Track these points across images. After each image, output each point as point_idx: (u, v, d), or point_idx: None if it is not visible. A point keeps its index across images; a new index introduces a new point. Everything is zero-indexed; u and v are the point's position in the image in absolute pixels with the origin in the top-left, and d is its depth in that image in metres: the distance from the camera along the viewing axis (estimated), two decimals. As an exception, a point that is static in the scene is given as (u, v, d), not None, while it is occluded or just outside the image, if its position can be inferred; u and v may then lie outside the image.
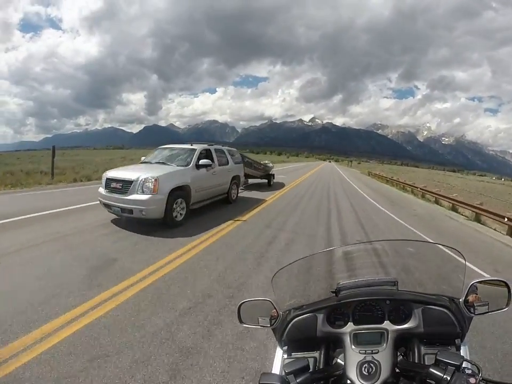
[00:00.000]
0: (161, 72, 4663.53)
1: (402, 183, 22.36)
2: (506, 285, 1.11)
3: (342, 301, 1.21)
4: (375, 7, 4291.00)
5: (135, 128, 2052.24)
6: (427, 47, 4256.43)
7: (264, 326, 1.24)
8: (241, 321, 1.27)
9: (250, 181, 14.13)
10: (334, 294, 1.22)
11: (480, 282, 1.13)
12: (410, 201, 15.02)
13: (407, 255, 1.58)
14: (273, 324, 1.23)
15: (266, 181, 15.42)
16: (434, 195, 15.26)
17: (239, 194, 10.35)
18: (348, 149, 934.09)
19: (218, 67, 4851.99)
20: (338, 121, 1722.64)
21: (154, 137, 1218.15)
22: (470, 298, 1.12)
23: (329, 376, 1.09)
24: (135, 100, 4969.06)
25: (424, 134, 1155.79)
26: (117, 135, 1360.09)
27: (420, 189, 17.58)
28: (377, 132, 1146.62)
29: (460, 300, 1.14)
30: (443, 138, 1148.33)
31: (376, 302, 1.21)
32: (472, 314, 1.12)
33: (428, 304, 1.16)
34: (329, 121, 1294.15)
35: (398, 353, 1.13)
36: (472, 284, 1.12)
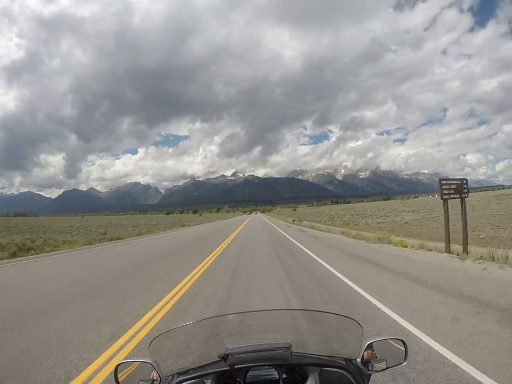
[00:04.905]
0: (80, 131, 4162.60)
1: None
2: (403, 342, 1.21)
3: (230, 367, 1.13)
4: (288, 61, 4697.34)
5: (54, 193, 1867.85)
6: (337, 93, 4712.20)
7: None
8: None
9: None
10: (222, 360, 1.13)
11: (377, 341, 1.18)
12: None
13: (303, 320, 1.62)
14: None
15: None
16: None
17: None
18: (272, 198, 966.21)
19: (139, 126, 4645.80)
20: (260, 172, 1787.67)
21: (75, 202, 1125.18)
22: (366, 355, 1.15)
23: None
24: (53, 162, 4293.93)
25: (342, 173, 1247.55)
26: (34, 200, 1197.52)
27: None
28: (298, 177, 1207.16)
29: (358, 360, 1.16)
30: (360, 173, 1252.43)
31: (269, 366, 1.17)
32: (371, 372, 1.15)
33: (324, 366, 1.16)
34: (251, 173, 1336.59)
35: None
36: (368, 343, 1.16)
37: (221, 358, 1.13)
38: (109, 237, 21.28)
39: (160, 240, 21.97)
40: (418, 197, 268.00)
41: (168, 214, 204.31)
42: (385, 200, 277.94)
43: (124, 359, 1.19)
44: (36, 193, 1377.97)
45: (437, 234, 20.40)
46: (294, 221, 41.32)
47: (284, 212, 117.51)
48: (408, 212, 46.31)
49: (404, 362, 1.19)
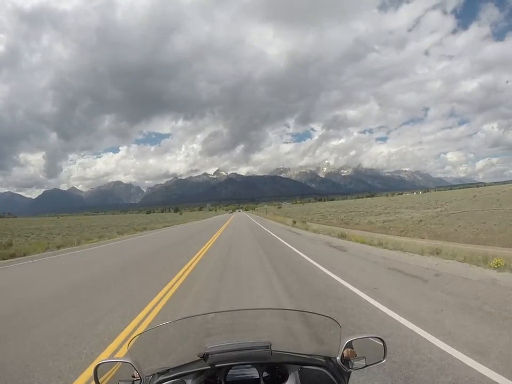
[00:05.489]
0: (61, 129, 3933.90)
1: None
2: (382, 340, 1.24)
3: (210, 366, 1.13)
4: (272, 59, 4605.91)
5: (35, 193, 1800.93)
6: (320, 92, 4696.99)
7: None
8: None
9: None
10: (202, 359, 1.12)
11: (356, 339, 1.20)
12: None
13: (283, 319, 1.64)
14: None
15: None
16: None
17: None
18: (255, 196, 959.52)
19: (121, 124, 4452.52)
20: (243, 170, 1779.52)
21: (55, 202, 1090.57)
22: (345, 353, 1.17)
23: None
24: (33, 161, 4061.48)
25: (325, 170, 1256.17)
26: (13, 201, 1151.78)
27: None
28: (281, 175, 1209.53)
29: (337, 358, 1.17)
30: (342, 171, 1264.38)
31: (250, 365, 1.19)
32: (350, 370, 1.17)
33: (304, 364, 1.18)
34: (234, 171, 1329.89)
35: None
36: (347, 342, 1.17)
37: (201, 357, 1.12)
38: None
39: (68, 262, 12.88)
40: (402, 193, 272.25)
41: (148, 213, 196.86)
42: (369, 197, 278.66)
43: (104, 359, 1.21)
44: (16, 194, 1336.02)
45: (470, 234, 15.93)
46: (295, 222, 28.29)
47: (269, 209, 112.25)
48: (407, 208, 42.48)
49: (383, 359, 1.21)
